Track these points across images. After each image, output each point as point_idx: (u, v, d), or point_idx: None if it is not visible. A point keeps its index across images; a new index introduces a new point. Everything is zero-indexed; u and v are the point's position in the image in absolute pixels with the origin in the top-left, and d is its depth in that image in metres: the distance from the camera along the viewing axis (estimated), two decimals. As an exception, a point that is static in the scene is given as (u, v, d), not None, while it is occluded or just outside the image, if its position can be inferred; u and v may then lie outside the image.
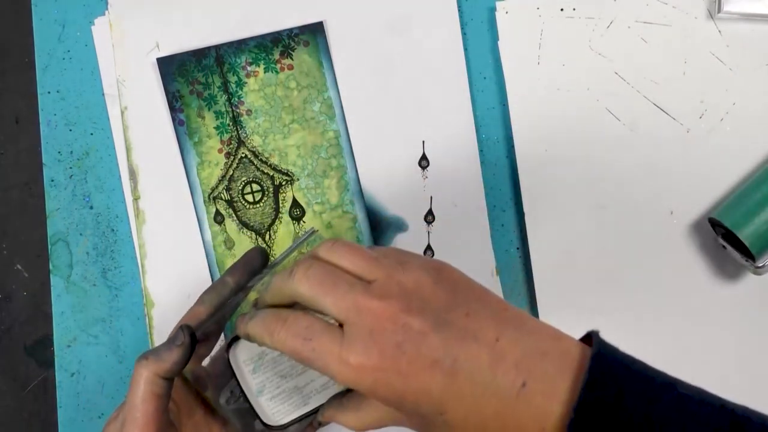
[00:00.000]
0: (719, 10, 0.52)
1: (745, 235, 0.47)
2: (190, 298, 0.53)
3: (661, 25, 0.53)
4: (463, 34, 0.54)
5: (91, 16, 0.55)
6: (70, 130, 0.55)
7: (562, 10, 0.53)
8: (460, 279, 0.35)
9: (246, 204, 0.54)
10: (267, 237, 0.54)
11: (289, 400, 0.38)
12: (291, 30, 0.54)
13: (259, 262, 0.43)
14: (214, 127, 0.54)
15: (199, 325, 0.40)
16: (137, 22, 0.55)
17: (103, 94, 0.55)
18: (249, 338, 0.36)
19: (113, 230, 0.55)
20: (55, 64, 0.56)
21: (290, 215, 0.54)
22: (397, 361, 0.31)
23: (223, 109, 0.54)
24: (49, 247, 0.55)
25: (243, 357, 0.38)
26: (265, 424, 0.38)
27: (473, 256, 0.53)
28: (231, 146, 0.54)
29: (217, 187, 0.54)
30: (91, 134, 0.55)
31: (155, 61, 0.54)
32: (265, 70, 0.54)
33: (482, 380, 0.31)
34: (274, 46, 0.54)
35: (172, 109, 0.54)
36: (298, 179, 0.54)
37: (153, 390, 0.36)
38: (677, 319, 0.52)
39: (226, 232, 0.54)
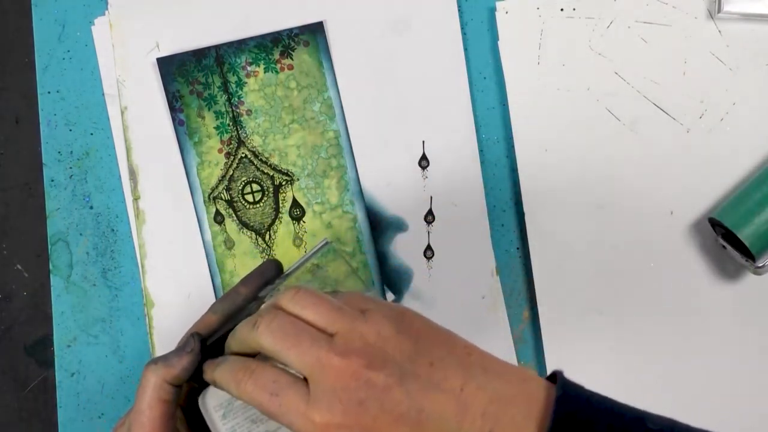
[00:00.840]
0: (719, 10, 0.52)
1: (745, 235, 0.47)
2: (190, 298, 0.54)
3: (661, 25, 0.53)
4: (463, 34, 0.54)
5: (91, 16, 0.55)
6: (70, 130, 0.55)
7: (562, 10, 0.53)
8: (423, 326, 0.35)
9: (246, 204, 0.54)
10: (267, 237, 0.54)
11: None
12: (291, 30, 0.54)
13: (272, 273, 0.43)
14: (214, 127, 0.54)
15: (210, 333, 0.40)
16: (137, 22, 0.55)
17: (103, 94, 0.55)
18: (216, 385, 0.37)
19: (113, 230, 0.55)
20: (55, 64, 0.56)
21: (290, 215, 0.54)
22: (361, 418, 0.31)
23: (223, 109, 0.54)
24: (49, 247, 0.55)
25: (213, 402, 0.38)
26: None
27: (473, 256, 0.53)
28: (231, 146, 0.54)
29: (217, 187, 0.54)
30: (91, 134, 0.55)
31: (155, 61, 0.54)
32: (265, 70, 0.54)
33: (449, 431, 0.31)
34: (274, 46, 0.54)
35: (172, 109, 0.54)
36: (298, 179, 0.54)
37: (160, 396, 0.36)
38: (677, 319, 0.52)
39: (226, 232, 0.54)
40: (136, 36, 0.54)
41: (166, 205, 0.54)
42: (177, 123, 0.54)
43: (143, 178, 0.54)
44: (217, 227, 0.54)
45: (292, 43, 0.54)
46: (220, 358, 0.37)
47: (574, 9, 0.53)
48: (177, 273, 0.54)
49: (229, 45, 0.54)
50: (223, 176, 0.54)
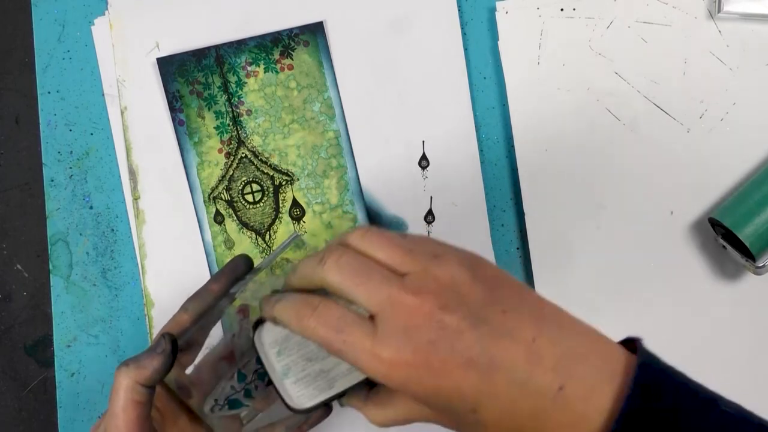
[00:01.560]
0: (719, 10, 0.52)
1: (745, 235, 0.47)
2: (190, 298, 0.54)
3: (661, 25, 0.53)
4: (463, 34, 0.54)
5: (91, 16, 0.55)
6: (70, 130, 0.55)
7: (562, 10, 0.53)
8: (498, 275, 0.34)
9: (246, 204, 0.54)
10: (267, 237, 0.54)
11: (314, 384, 0.37)
12: (291, 30, 0.54)
13: (243, 269, 0.42)
14: (214, 127, 0.54)
15: (182, 332, 0.39)
16: (137, 22, 0.55)
17: (103, 94, 0.55)
18: (275, 321, 0.35)
19: (113, 230, 0.55)
20: (55, 64, 0.56)
21: (290, 215, 0.54)
22: (430, 359, 0.30)
23: (223, 109, 0.54)
24: (49, 247, 0.55)
25: (268, 339, 0.37)
26: (289, 407, 0.37)
27: (473, 256, 0.53)
28: (231, 146, 0.54)
29: (217, 187, 0.54)
30: (91, 134, 0.55)
31: (155, 61, 0.54)
32: (265, 70, 0.54)
33: (518, 380, 0.30)
34: (274, 46, 0.54)
35: (172, 109, 0.54)
36: (298, 179, 0.54)
37: (134, 398, 0.36)
38: (677, 319, 0.52)
39: (226, 232, 0.54)
40: (136, 36, 0.54)
41: (166, 205, 0.54)
42: (177, 123, 0.54)
43: (143, 178, 0.54)
44: (217, 227, 0.54)
45: (292, 43, 0.54)
46: (279, 293, 0.36)
47: (574, 9, 0.53)
48: (177, 273, 0.54)
49: (229, 45, 0.54)
50: (223, 176, 0.54)
